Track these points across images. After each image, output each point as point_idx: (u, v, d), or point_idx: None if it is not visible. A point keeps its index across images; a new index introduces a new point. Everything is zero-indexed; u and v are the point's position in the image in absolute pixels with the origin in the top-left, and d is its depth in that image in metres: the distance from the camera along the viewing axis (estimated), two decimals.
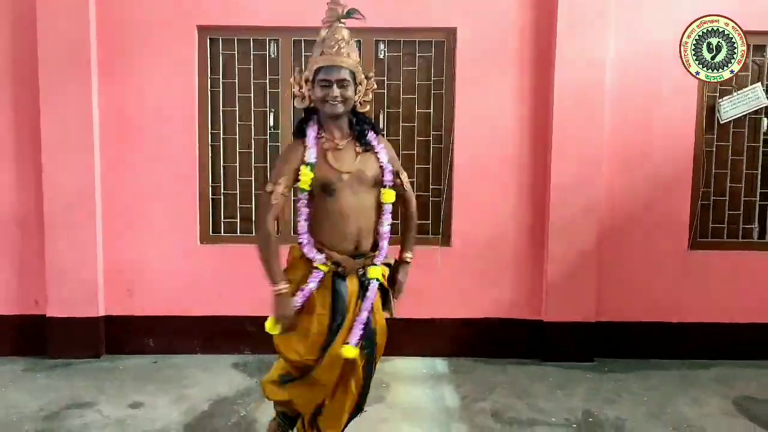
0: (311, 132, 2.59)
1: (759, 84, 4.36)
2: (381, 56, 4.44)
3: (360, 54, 4.25)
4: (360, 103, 2.66)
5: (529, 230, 4.46)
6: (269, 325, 2.60)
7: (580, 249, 4.34)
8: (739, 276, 4.46)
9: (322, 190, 2.55)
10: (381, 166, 2.64)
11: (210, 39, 4.43)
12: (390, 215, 2.68)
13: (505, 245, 4.48)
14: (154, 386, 4.03)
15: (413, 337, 4.49)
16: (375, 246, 2.68)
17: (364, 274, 2.65)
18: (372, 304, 2.66)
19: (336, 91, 2.52)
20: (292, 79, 2.68)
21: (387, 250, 2.70)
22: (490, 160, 4.43)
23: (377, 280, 2.68)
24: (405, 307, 4.38)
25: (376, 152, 2.64)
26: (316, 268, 2.60)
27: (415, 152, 4.49)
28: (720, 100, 4.38)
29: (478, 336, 4.53)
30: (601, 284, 4.43)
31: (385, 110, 4.46)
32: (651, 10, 4.33)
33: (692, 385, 4.09)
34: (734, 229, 4.52)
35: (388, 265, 2.78)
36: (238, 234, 4.55)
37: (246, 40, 4.44)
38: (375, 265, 2.67)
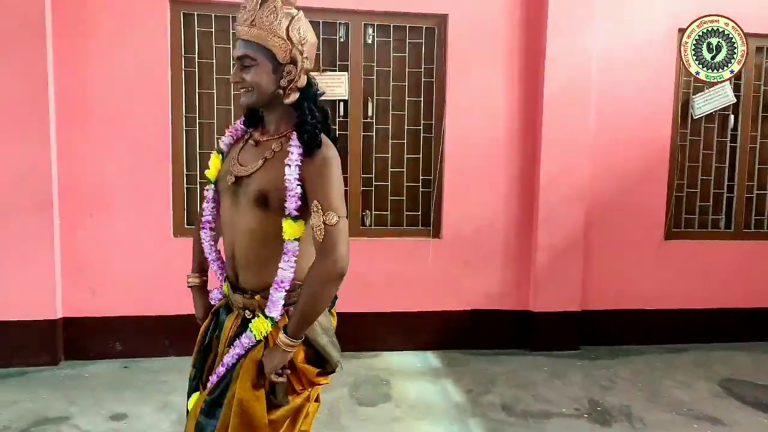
0: (241, 119, 2.00)
1: (728, 82, 4.57)
2: (369, 41, 4.25)
3: (348, 38, 4.18)
4: (284, 91, 1.80)
5: (518, 220, 4.44)
6: None
7: (566, 238, 4.38)
8: (708, 264, 4.67)
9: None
10: (284, 184, 1.77)
11: (184, 14, 4.07)
12: (293, 257, 1.80)
13: (494, 235, 4.45)
14: (131, 394, 3.65)
15: (404, 330, 4.38)
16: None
17: (252, 319, 1.86)
18: (237, 358, 1.83)
19: (236, 72, 1.82)
20: None
21: (280, 304, 1.80)
22: (481, 150, 4.37)
23: (257, 335, 1.82)
24: (394, 300, 4.36)
25: (287, 164, 1.77)
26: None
27: (405, 142, 4.35)
28: (693, 96, 4.56)
29: (468, 327, 4.47)
30: (584, 273, 4.50)
31: (374, 98, 4.29)
32: (635, 5, 4.42)
33: (675, 369, 4.24)
34: (704, 219, 4.72)
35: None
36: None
37: (224, 17, 4.11)
38: (261, 315, 1.83)
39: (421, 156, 4.37)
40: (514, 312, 4.49)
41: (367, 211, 4.36)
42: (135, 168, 4.05)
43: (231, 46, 4.12)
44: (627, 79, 4.45)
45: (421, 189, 4.39)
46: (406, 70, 4.31)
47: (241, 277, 1.88)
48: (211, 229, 2.04)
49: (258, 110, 1.93)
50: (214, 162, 1.98)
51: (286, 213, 1.77)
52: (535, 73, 4.33)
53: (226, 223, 1.92)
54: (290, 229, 1.78)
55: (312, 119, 1.79)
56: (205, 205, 2.03)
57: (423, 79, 4.33)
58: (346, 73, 4.22)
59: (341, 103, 4.25)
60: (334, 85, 4.21)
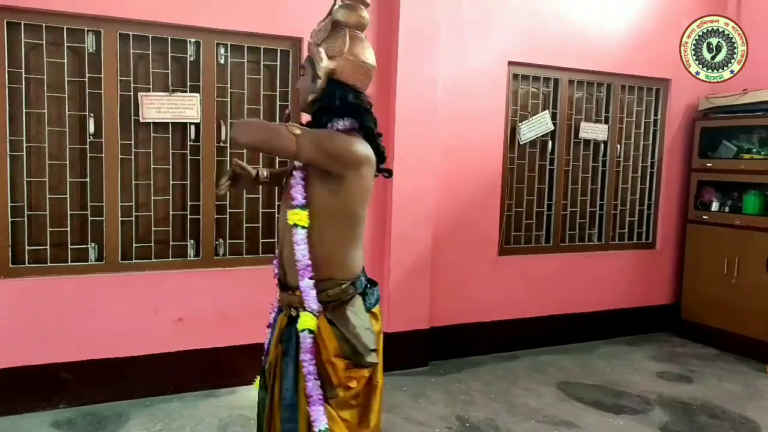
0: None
1: (547, 111, 5.11)
2: (222, 61, 4.05)
3: (199, 57, 3.95)
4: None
5: (372, 243, 4.50)
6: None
7: (417, 259, 4.57)
8: (533, 277, 5.17)
9: None
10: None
11: (8, 23, 3.53)
12: (304, 245, 2.01)
13: None
14: None
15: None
16: None
17: (297, 316, 2.07)
18: (313, 367, 2.02)
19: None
20: None
21: (312, 294, 2.03)
22: None
23: (310, 332, 2.02)
24: (252, 332, 4.19)
25: None
26: None
27: (260, 166, 4.20)
28: (520, 123, 5.02)
29: None
30: (431, 291, 4.73)
31: (228, 121, 4.09)
32: (472, 37, 4.74)
33: (516, 376, 4.63)
34: (529, 236, 5.22)
35: (334, 325, 2.04)
36: (48, 264, 3.73)
37: (58, 28, 3.65)
38: (305, 310, 2.04)
39: None
40: None
41: (221, 240, 4.15)
42: None
43: (65, 60, 3.68)
44: (467, 107, 4.75)
45: (277, 215, 4.28)
46: (261, 92, 4.18)
47: (288, 274, 2.11)
48: None
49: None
50: None
51: (294, 204, 2.03)
52: (386, 99, 4.45)
53: (278, 224, 2.19)
54: (296, 217, 2.01)
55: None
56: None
57: (278, 103, 4.22)
58: (197, 94, 3.97)
59: (192, 126, 4.00)
60: (185, 107, 3.94)
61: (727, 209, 5.57)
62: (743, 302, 5.28)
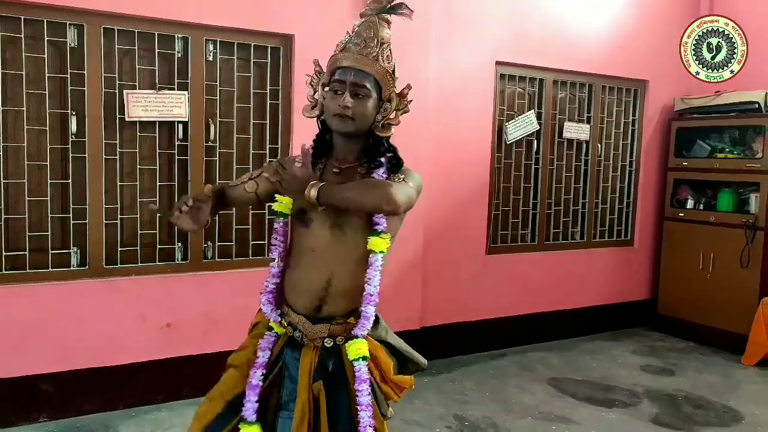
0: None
1: (532, 111, 5.11)
2: (210, 58, 3.89)
3: (187, 54, 3.79)
4: (382, 125, 1.99)
5: None
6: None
7: (408, 262, 4.53)
8: (518, 275, 5.18)
9: (298, 219, 1.99)
10: None
11: None
12: (379, 272, 1.96)
13: None
14: None
15: None
16: (354, 314, 1.99)
17: (334, 351, 1.98)
18: (368, 397, 1.94)
19: (348, 99, 1.90)
20: (308, 81, 2.07)
21: (371, 321, 1.97)
22: None
23: (364, 359, 1.94)
24: (244, 336, 4.07)
25: None
26: (270, 328, 2.06)
27: (251, 167, 4.06)
28: (506, 123, 5.01)
29: None
30: (422, 293, 4.68)
31: (217, 120, 3.94)
32: (460, 38, 4.69)
33: (507, 374, 4.63)
34: (515, 234, 5.23)
35: (385, 343, 2.04)
36: (27, 271, 3.52)
37: (37, 21, 3.44)
38: (356, 337, 1.95)
39: None
40: None
41: (209, 243, 4.00)
42: None
43: (45, 54, 3.47)
44: (456, 107, 4.70)
45: (267, 216, 4.15)
46: (251, 90, 4.04)
47: (331, 305, 1.96)
48: (281, 259, 2.06)
49: (324, 140, 2.04)
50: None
51: (376, 230, 1.94)
52: None
53: (319, 247, 1.94)
54: (379, 244, 1.94)
55: (393, 150, 2.06)
56: (278, 238, 2.07)
57: (269, 101, 4.09)
58: (185, 92, 3.80)
59: (180, 125, 3.83)
60: (173, 105, 3.77)
61: (701, 207, 5.71)
62: (718, 296, 5.42)
